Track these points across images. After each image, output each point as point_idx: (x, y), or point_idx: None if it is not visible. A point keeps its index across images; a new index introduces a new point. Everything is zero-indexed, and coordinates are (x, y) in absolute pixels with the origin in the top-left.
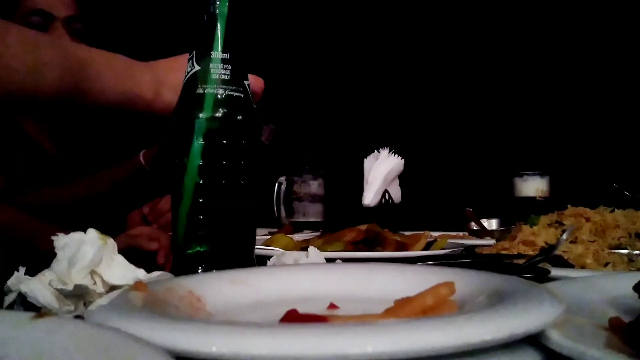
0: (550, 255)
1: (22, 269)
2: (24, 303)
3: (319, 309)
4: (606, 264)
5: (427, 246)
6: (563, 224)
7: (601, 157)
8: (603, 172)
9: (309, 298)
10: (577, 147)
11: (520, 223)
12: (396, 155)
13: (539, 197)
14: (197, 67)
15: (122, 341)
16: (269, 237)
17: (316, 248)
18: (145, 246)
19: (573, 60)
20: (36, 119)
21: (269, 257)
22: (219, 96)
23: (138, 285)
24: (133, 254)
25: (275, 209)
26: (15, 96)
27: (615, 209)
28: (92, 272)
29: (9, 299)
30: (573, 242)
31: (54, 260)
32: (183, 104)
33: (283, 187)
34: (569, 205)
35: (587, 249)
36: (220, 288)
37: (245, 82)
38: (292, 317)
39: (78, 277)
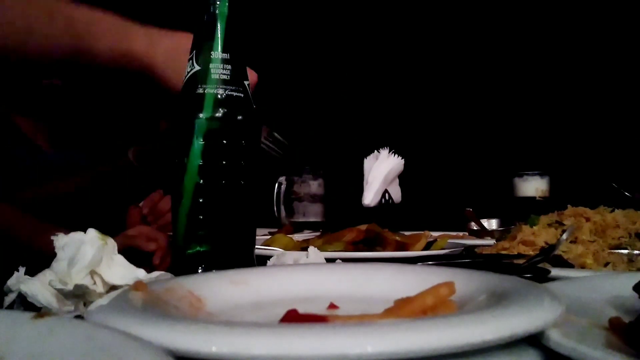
0: (550, 255)
1: (22, 269)
2: (24, 303)
3: (319, 309)
4: (606, 264)
5: (427, 246)
6: (563, 224)
7: (601, 157)
8: (603, 172)
9: (309, 298)
10: (577, 147)
11: (520, 223)
12: (396, 155)
13: (539, 197)
14: (197, 67)
15: (122, 341)
16: (269, 237)
17: (316, 248)
18: (143, 247)
19: (573, 60)
20: (35, 117)
21: (269, 257)
22: (219, 96)
23: (138, 285)
24: (131, 254)
25: (275, 209)
26: (8, 51)
27: (615, 209)
28: (92, 272)
29: (9, 299)
30: (573, 242)
31: (54, 260)
32: (183, 104)
33: (283, 187)
34: (569, 205)
35: (587, 249)
36: (220, 288)
37: (245, 82)
38: (292, 317)
39: (78, 277)
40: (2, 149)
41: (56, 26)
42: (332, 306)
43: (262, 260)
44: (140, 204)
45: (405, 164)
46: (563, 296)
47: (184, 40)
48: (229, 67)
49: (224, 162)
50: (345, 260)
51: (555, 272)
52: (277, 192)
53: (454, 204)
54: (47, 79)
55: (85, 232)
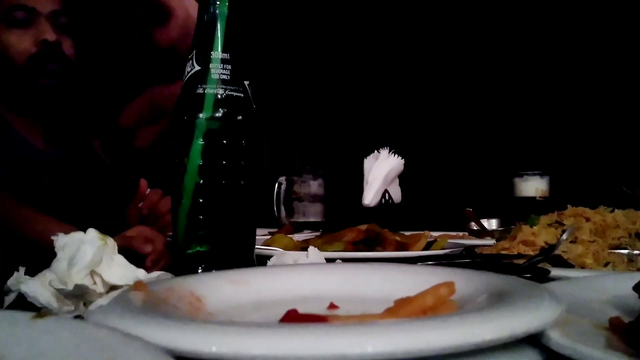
0: (550, 255)
1: (22, 269)
2: (24, 303)
3: (319, 309)
4: (606, 264)
5: (427, 246)
6: (563, 224)
7: (601, 156)
8: (603, 172)
9: (309, 298)
10: (577, 147)
11: (520, 223)
12: (396, 155)
13: (539, 197)
14: (197, 67)
15: (122, 341)
16: (269, 237)
17: (316, 248)
18: (139, 248)
19: (573, 60)
20: (30, 117)
21: (269, 257)
22: (219, 96)
23: (138, 285)
24: (128, 255)
25: (275, 209)
26: None
27: (616, 209)
28: (92, 272)
29: (9, 299)
30: (573, 242)
31: (54, 260)
32: (183, 104)
33: (283, 187)
34: (569, 205)
35: (587, 249)
36: (220, 288)
37: (246, 82)
38: (292, 317)
39: (78, 277)
40: None
41: None
42: (332, 306)
43: (262, 260)
44: (140, 205)
45: (405, 164)
46: (563, 296)
47: None
48: (229, 67)
49: (224, 162)
50: (345, 260)
51: (555, 272)
52: (277, 192)
53: (454, 204)
54: (43, 78)
55: (85, 231)
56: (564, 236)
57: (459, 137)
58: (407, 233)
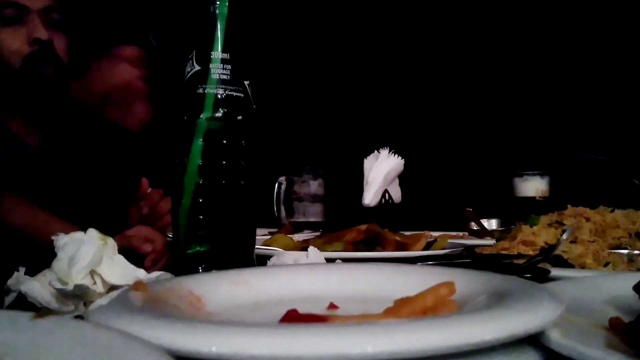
0: (550, 255)
1: (22, 269)
2: (24, 303)
3: (319, 309)
4: (606, 264)
5: (427, 246)
6: (563, 224)
7: (601, 156)
8: (603, 171)
9: (309, 298)
10: (577, 147)
11: (520, 223)
12: (396, 155)
13: (539, 197)
14: (197, 67)
15: (122, 341)
16: (269, 237)
17: (316, 248)
18: (139, 248)
19: (573, 60)
20: (23, 118)
21: (269, 257)
22: (219, 96)
23: (138, 285)
24: (128, 255)
25: (275, 209)
26: None
27: (616, 209)
28: (92, 272)
29: (9, 299)
30: (573, 242)
31: (54, 260)
32: (183, 104)
33: (283, 187)
34: (569, 205)
35: (587, 249)
36: (220, 288)
37: (246, 82)
38: (292, 317)
39: (78, 277)
40: None
41: None
42: (332, 306)
43: (262, 260)
44: (141, 204)
45: (405, 164)
46: (563, 296)
47: None
48: (229, 67)
49: (224, 162)
50: (345, 260)
51: (555, 272)
52: (277, 192)
53: (454, 204)
54: (37, 83)
55: (85, 231)
56: (564, 236)
57: (458, 137)
58: (407, 233)
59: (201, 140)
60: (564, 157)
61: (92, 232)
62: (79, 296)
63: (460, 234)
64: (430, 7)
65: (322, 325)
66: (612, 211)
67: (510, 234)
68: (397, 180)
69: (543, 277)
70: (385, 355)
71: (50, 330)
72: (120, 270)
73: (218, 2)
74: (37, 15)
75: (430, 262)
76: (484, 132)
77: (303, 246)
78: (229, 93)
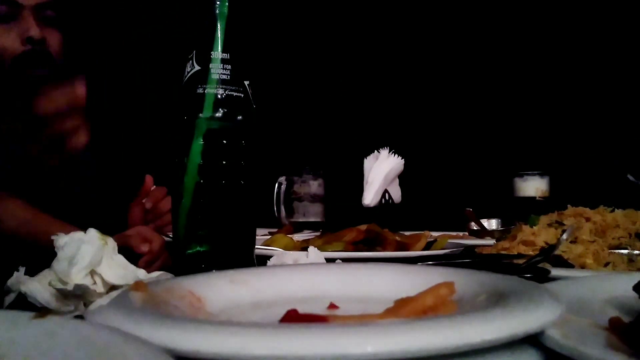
0: (550, 255)
1: (22, 269)
2: (24, 303)
3: (319, 309)
4: (606, 264)
5: (427, 246)
6: (563, 224)
7: (601, 156)
8: (603, 172)
9: (309, 298)
10: (577, 147)
11: (520, 223)
12: (396, 155)
13: (539, 197)
14: (197, 67)
15: (122, 341)
16: (269, 237)
17: (316, 248)
18: (136, 247)
19: (573, 60)
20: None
21: (269, 257)
22: (219, 96)
23: (138, 285)
24: (126, 254)
25: (275, 209)
26: None
27: (616, 209)
28: (92, 272)
29: (9, 299)
30: (573, 242)
31: (54, 260)
32: (183, 104)
33: (283, 187)
34: (569, 205)
35: (587, 249)
36: (220, 288)
37: (246, 82)
38: (292, 317)
39: (78, 277)
40: None
41: None
42: (332, 306)
43: (262, 260)
44: (144, 200)
45: (405, 164)
46: (563, 296)
47: None
48: (229, 67)
49: (224, 162)
50: (345, 260)
51: (555, 272)
52: (277, 192)
53: (454, 204)
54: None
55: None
56: (564, 236)
57: (458, 137)
58: (407, 233)
59: (201, 140)
60: (564, 157)
61: (92, 232)
62: (79, 296)
63: (460, 234)
64: (430, 7)
65: (322, 325)
66: (612, 211)
67: (510, 234)
68: (397, 180)
69: (543, 277)
70: (385, 355)
71: (50, 330)
72: (120, 270)
73: (218, 2)
74: (30, 13)
75: (430, 262)
76: (484, 132)
77: (303, 246)
78: (229, 93)
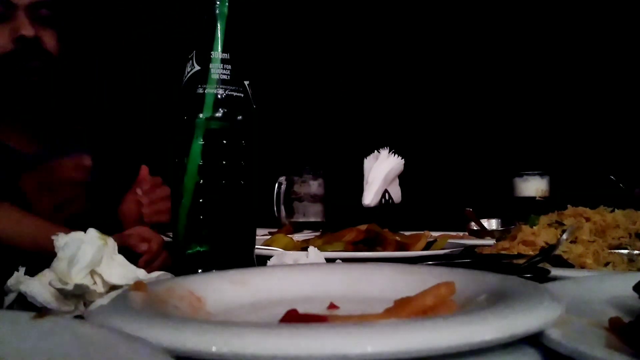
0: (550, 255)
1: (22, 269)
2: (24, 303)
3: (319, 309)
4: (606, 264)
5: (427, 246)
6: (563, 224)
7: (601, 156)
8: (602, 170)
9: (309, 298)
10: (577, 147)
11: (520, 223)
12: (396, 155)
13: (539, 197)
14: (197, 67)
15: (122, 341)
16: (269, 237)
17: (316, 248)
18: (135, 246)
19: (573, 60)
20: (9, 120)
21: (269, 257)
22: (219, 96)
23: (138, 285)
24: (126, 254)
25: (275, 209)
26: None
27: (616, 209)
28: (92, 272)
29: (9, 299)
30: (573, 242)
31: (54, 260)
32: (183, 104)
33: (283, 187)
34: (569, 205)
35: (587, 249)
36: (220, 288)
37: (246, 82)
38: (292, 317)
39: (78, 277)
40: None
41: None
42: (332, 306)
43: (262, 260)
44: (138, 189)
45: (405, 164)
46: (563, 296)
47: None
48: (229, 67)
49: (224, 162)
50: (345, 260)
51: (555, 272)
52: (277, 192)
53: (454, 204)
54: (23, 75)
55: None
56: (564, 236)
57: (458, 137)
58: (407, 233)
59: (201, 140)
60: (564, 157)
61: (92, 232)
62: (79, 296)
63: (460, 234)
64: (430, 7)
65: (322, 325)
66: (612, 211)
67: (510, 234)
68: (397, 180)
69: (543, 277)
70: (385, 355)
71: (50, 330)
72: (120, 270)
73: (218, 2)
74: (23, 12)
75: (430, 262)
76: (484, 132)
77: (303, 246)
78: (229, 93)
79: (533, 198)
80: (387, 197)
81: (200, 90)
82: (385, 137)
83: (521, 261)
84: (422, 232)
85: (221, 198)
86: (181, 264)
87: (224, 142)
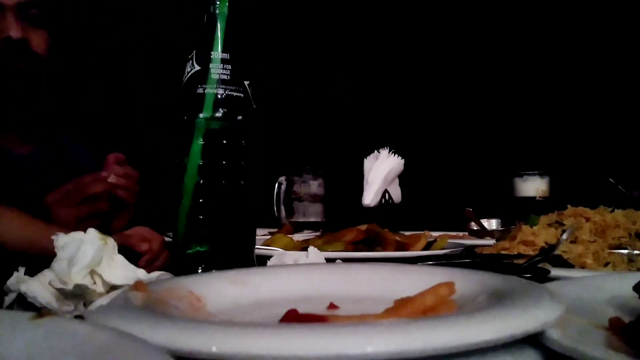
0: (550, 255)
1: (22, 269)
2: (24, 303)
3: (319, 309)
4: (606, 264)
5: (427, 246)
6: (563, 224)
7: (601, 156)
8: (603, 172)
9: (309, 298)
10: (577, 147)
11: (520, 223)
12: (396, 155)
13: (539, 197)
14: (197, 67)
15: (122, 341)
16: (269, 237)
17: (316, 248)
18: (136, 246)
19: (573, 60)
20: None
21: (269, 257)
22: (219, 96)
23: (138, 285)
24: (126, 254)
25: (275, 209)
26: None
27: (615, 209)
28: (92, 272)
29: (9, 299)
30: (573, 242)
31: (54, 260)
32: (183, 104)
33: (283, 187)
34: (569, 205)
35: (587, 249)
36: (220, 288)
37: (246, 82)
38: (292, 317)
39: (78, 277)
40: None
41: None
42: (332, 306)
43: (262, 260)
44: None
45: (405, 164)
46: (563, 296)
47: None
48: (229, 67)
49: (224, 162)
50: (345, 260)
51: (555, 272)
52: (277, 192)
53: (454, 204)
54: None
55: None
56: (564, 236)
57: (458, 137)
58: (407, 233)
59: (201, 140)
60: (564, 157)
61: (92, 232)
62: (79, 296)
63: (460, 234)
64: (430, 7)
65: (322, 325)
66: (612, 211)
67: (510, 234)
68: (397, 180)
69: (543, 277)
70: (385, 355)
71: (50, 330)
72: (120, 270)
73: (218, 2)
74: (11, 12)
75: (430, 262)
76: (484, 132)
77: (303, 246)
78: (229, 93)
79: (533, 198)
80: (387, 197)
81: (200, 90)
82: (385, 137)
83: (521, 261)
84: (422, 232)
85: (221, 198)
86: (181, 264)
87: (224, 142)
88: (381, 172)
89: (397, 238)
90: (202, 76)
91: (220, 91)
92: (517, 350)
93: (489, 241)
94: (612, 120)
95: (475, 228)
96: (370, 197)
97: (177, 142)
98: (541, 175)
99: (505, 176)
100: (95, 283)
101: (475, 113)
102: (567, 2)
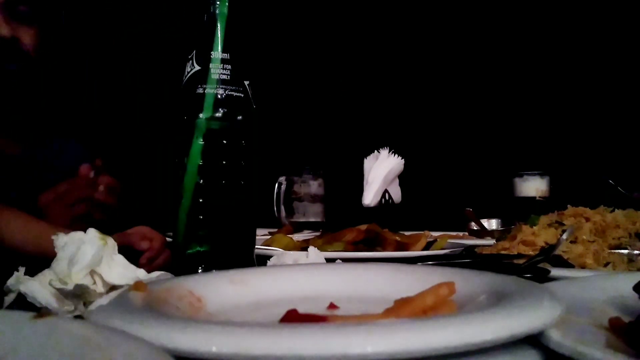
0: (550, 255)
1: (22, 269)
2: (24, 303)
3: (319, 309)
4: (606, 264)
5: (427, 246)
6: (563, 224)
7: (601, 156)
8: (603, 172)
9: (309, 298)
10: (577, 147)
11: (520, 223)
12: (396, 155)
13: (539, 197)
14: (197, 67)
15: (122, 341)
16: (269, 237)
17: (316, 248)
18: (136, 244)
19: (573, 60)
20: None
21: (269, 257)
22: (219, 96)
23: (138, 285)
24: (127, 253)
25: (275, 209)
26: None
27: (616, 209)
28: (92, 272)
29: (9, 299)
30: (573, 242)
31: (54, 260)
32: (183, 104)
33: (283, 187)
34: (569, 205)
35: (587, 249)
36: (220, 288)
37: (246, 82)
38: (292, 317)
39: (78, 277)
40: None
41: None
42: (332, 306)
43: (262, 260)
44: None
45: (405, 164)
46: (563, 296)
47: None
48: (229, 67)
49: (224, 162)
50: (345, 260)
51: (555, 272)
52: (277, 192)
53: (454, 204)
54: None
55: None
56: (564, 236)
57: (458, 137)
58: (407, 233)
59: (201, 140)
60: (564, 157)
61: (92, 232)
62: (79, 296)
63: (460, 234)
64: (430, 7)
65: (322, 325)
66: (612, 211)
67: (510, 234)
68: (397, 180)
69: (543, 277)
70: (385, 355)
71: (50, 330)
72: (120, 270)
73: (218, 2)
74: None
75: (430, 262)
76: (484, 132)
77: (303, 246)
78: (229, 93)
79: (533, 198)
80: (387, 197)
81: (200, 90)
82: (385, 137)
83: (521, 261)
84: (422, 232)
85: (221, 198)
86: (181, 264)
87: (224, 142)
88: (381, 172)
89: (397, 238)
90: (202, 76)
91: (220, 91)
92: (517, 350)
93: (489, 241)
94: (612, 121)
95: (475, 228)
96: (370, 197)
97: (177, 142)
98: (541, 175)
99: (505, 176)
100: (95, 283)
101: (475, 113)
102: (567, 2)
